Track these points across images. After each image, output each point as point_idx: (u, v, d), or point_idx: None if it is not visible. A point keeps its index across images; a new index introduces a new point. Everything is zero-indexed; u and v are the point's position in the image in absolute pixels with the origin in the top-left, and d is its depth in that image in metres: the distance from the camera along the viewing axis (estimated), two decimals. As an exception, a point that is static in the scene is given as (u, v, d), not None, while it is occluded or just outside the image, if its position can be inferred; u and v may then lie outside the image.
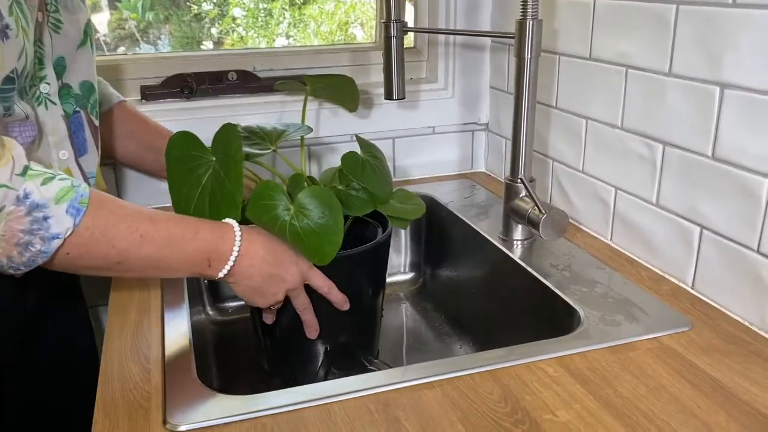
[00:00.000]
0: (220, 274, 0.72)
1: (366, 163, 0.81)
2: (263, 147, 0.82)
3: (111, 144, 0.99)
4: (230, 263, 0.71)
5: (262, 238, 0.74)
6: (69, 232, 0.61)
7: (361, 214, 0.82)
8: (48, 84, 0.75)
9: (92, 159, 0.83)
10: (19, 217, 0.59)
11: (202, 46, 1.33)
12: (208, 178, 0.75)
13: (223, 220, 0.74)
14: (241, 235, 0.72)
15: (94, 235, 0.63)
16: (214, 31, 1.34)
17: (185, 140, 0.76)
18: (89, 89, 0.82)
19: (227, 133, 0.76)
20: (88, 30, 0.82)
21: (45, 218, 0.59)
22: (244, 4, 1.33)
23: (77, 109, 0.80)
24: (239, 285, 0.74)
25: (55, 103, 0.76)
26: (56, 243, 0.61)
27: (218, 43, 1.36)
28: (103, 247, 0.64)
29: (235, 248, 0.71)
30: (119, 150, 1.00)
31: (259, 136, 0.84)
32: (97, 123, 0.84)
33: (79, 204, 0.61)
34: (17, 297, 0.79)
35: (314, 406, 0.63)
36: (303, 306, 0.78)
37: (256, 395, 0.65)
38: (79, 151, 0.80)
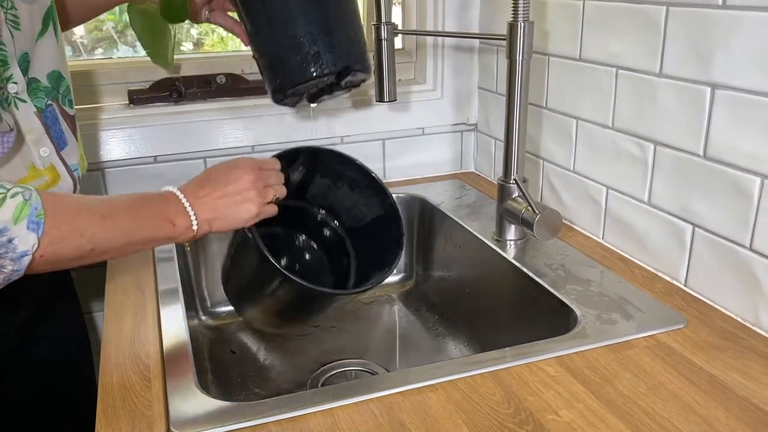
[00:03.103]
0: (193, 220, 0.71)
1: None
2: None
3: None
4: (186, 204, 0.71)
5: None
6: (35, 247, 0.61)
7: None
8: (15, 83, 0.73)
9: (73, 150, 0.82)
10: None
11: (182, 48, 1.32)
12: None
13: None
14: (170, 186, 0.73)
15: (61, 232, 0.63)
16: (193, 32, 1.33)
17: None
18: (57, 78, 0.80)
19: None
20: (51, 14, 0.78)
21: (9, 240, 0.59)
22: (225, 5, 1.32)
23: (49, 102, 0.78)
24: (220, 218, 0.74)
25: (25, 101, 0.74)
26: (26, 260, 0.60)
27: (198, 44, 1.35)
28: (73, 241, 0.64)
29: (175, 191, 0.72)
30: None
31: None
32: (71, 112, 0.82)
33: (36, 218, 0.61)
34: (9, 309, 0.77)
35: (319, 412, 0.63)
36: (277, 181, 0.80)
37: (259, 402, 0.65)
38: (59, 144, 0.79)
